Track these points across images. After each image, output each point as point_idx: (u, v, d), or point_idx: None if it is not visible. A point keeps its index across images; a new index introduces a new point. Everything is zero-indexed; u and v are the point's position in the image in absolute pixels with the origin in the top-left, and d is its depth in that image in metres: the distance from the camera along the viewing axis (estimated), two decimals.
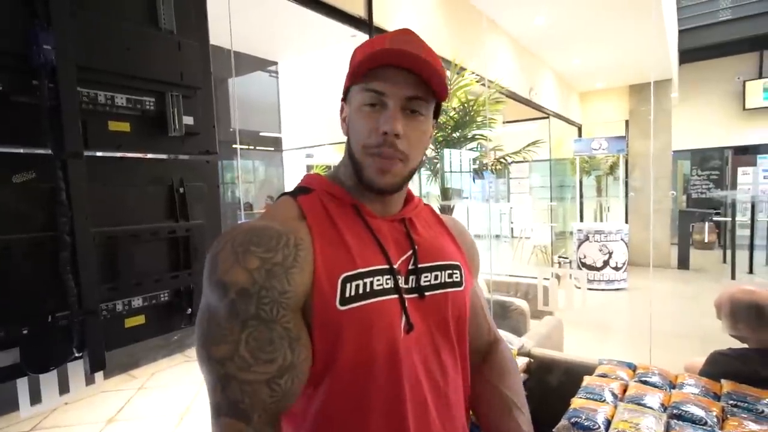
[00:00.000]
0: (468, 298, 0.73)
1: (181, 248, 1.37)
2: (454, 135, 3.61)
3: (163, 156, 1.39)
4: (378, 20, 2.66)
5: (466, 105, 3.57)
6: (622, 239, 6.00)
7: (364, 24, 2.60)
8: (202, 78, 1.43)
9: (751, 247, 6.54)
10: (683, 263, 6.95)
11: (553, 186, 7.37)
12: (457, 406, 0.69)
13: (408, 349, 0.62)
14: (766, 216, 7.49)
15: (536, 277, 3.35)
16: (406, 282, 0.65)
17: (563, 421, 1.38)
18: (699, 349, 2.08)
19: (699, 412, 1.33)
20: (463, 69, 3.38)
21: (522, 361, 1.93)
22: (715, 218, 7.89)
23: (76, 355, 1.14)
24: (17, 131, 1.07)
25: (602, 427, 1.32)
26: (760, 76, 8.17)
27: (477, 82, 3.51)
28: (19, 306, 1.06)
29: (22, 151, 1.10)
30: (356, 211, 0.65)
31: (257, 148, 5.20)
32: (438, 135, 3.63)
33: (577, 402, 1.47)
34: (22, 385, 1.19)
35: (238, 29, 2.26)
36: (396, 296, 0.62)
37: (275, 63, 4.79)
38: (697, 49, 8.30)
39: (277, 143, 5.27)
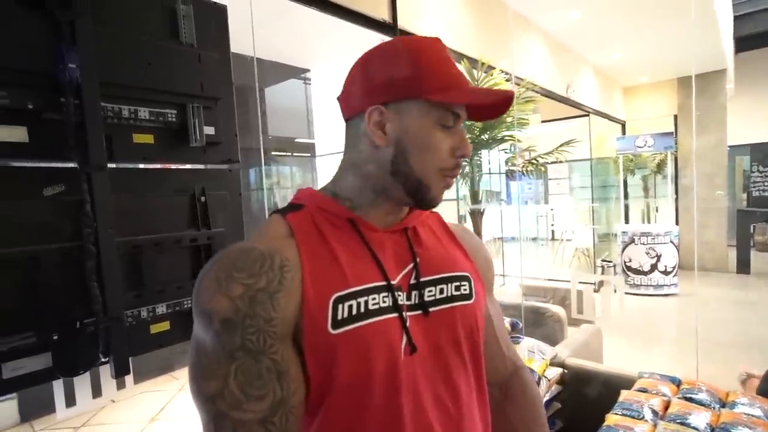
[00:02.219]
0: (481, 311, 0.67)
1: (203, 256, 1.40)
2: (482, 137, 3.51)
3: (186, 166, 1.42)
4: (402, 23, 2.64)
5: None
6: (671, 241, 5.63)
7: (388, 27, 2.59)
8: (223, 88, 1.46)
9: None
10: (743, 267, 6.46)
11: (594, 186, 7.05)
12: None
13: (411, 372, 0.57)
14: None
15: (571, 282, 3.20)
16: (408, 298, 0.60)
17: None
18: (758, 362, 1.91)
19: None
20: (491, 68, 3.29)
21: (555, 372, 1.83)
22: None
23: (103, 360, 1.19)
24: (48, 146, 1.13)
25: None
26: None
27: (507, 81, 3.40)
28: (49, 313, 1.11)
29: (53, 165, 1.16)
30: (352, 225, 0.61)
31: (294, 154, 5.29)
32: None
33: (611, 419, 1.37)
34: (58, 388, 1.26)
35: (271, 39, 2.31)
36: (395, 315, 0.57)
37: (308, 70, 4.87)
38: (755, 36, 7.70)
39: (311, 149, 5.35)
